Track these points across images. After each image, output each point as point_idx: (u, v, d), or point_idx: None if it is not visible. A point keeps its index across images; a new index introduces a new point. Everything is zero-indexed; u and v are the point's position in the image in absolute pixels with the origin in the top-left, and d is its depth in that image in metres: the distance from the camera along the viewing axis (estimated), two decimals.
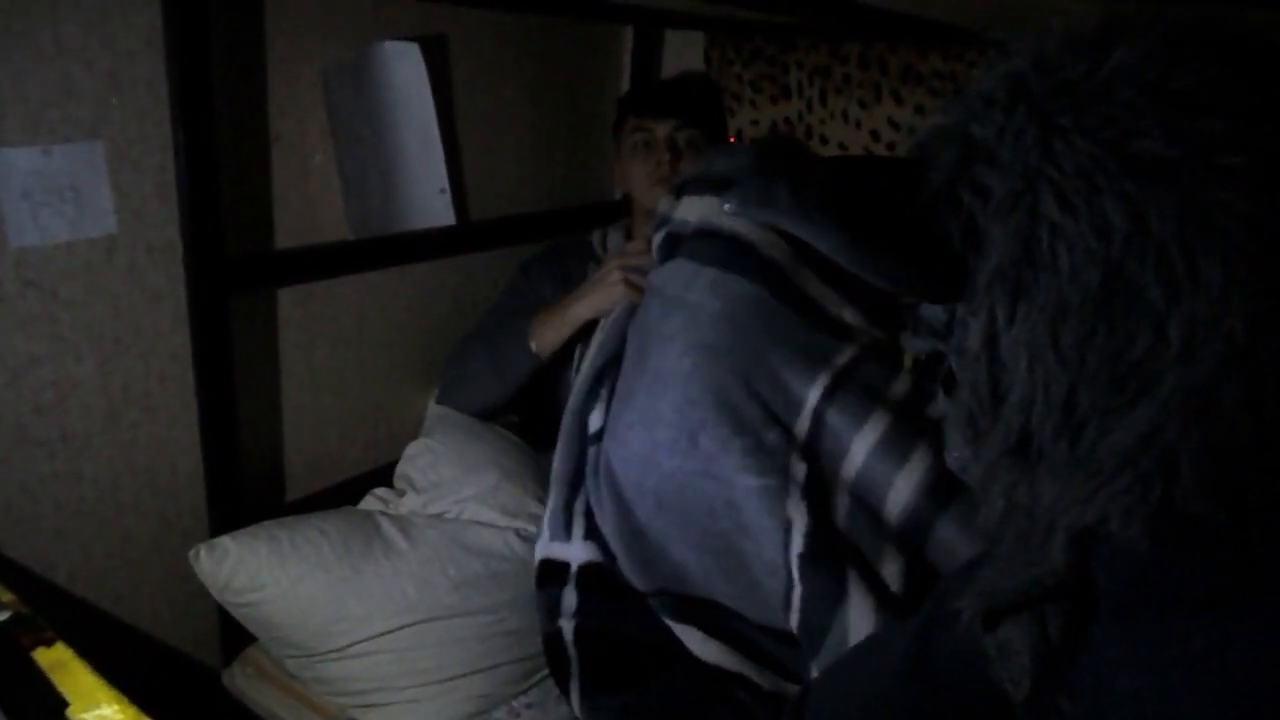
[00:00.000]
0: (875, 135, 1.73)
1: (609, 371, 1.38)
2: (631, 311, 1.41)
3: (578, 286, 1.54)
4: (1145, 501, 0.53)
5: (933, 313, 0.66)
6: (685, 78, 1.94)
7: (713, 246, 1.31)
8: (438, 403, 1.64)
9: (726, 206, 1.33)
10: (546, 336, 1.51)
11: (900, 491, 1.18)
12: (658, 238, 1.40)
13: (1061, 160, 0.53)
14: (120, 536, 1.35)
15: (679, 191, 1.40)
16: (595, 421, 1.36)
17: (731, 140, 1.94)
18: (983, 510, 0.63)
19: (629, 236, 1.75)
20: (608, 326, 1.43)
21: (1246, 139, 0.50)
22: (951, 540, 1.16)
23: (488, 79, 1.74)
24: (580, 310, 1.47)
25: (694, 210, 1.35)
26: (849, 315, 1.32)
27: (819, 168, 1.50)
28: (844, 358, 1.26)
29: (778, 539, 1.16)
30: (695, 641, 1.24)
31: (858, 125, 1.74)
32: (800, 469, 1.18)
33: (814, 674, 1.15)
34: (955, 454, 0.69)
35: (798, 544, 1.14)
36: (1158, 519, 0.53)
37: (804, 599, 1.13)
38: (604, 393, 1.37)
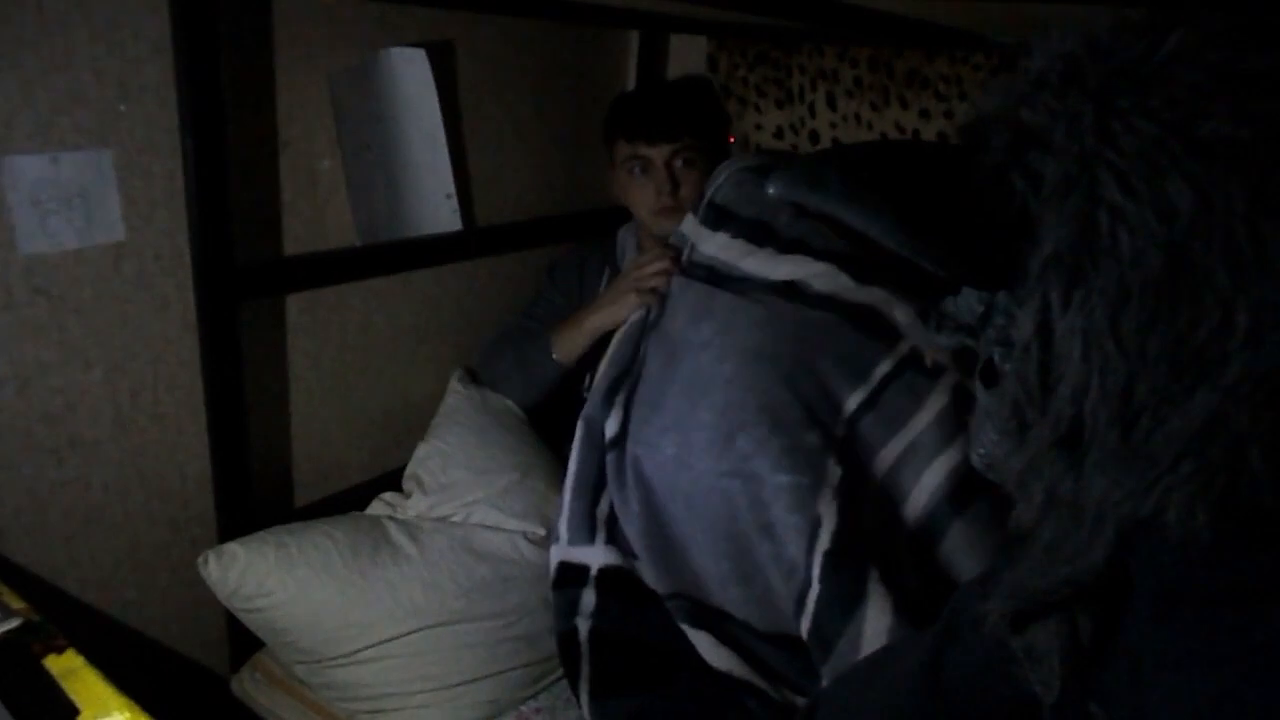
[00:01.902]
0: (884, 138, 1.72)
1: (623, 381, 1.41)
2: (644, 322, 1.44)
3: (593, 293, 1.66)
4: (1209, 491, 0.52)
5: (960, 308, 0.65)
6: (676, 90, 1.81)
7: (746, 282, 1.36)
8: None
9: (772, 190, 1.33)
10: (566, 346, 1.59)
11: (917, 500, 1.19)
12: (685, 255, 1.45)
13: (1121, 142, 0.52)
14: (129, 543, 1.35)
15: (711, 224, 1.43)
16: (611, 428, 1.38)
17: (731, 141, 1.94)
18: (1019, 508, 0.61)
19: (640, 247, 1.75)
20: (621, 337, 1.48)
21: None
22: (957, 552, 1.17)
23: (494, 84, 1.74)
24: (596, 321, 1.54)
25: (729, 251, 1.39)
26: (900, 313, 1.32)
27: (869, 153, 1.50)
28: (886, 366, 1.28)
29: (804, 536, 1.16)
30: (706, 647, 1.25)
31: (870, 128, 1.73)
32: (835, 471, 1.20)
33: (823, 683, 1.15)
34: (982, 450, 0.67)
35: (825, 541, 1.15)
36: (1220, 510, 0.52)
37: (820, 600, 1.14)
38: (619, 400, 1.39)
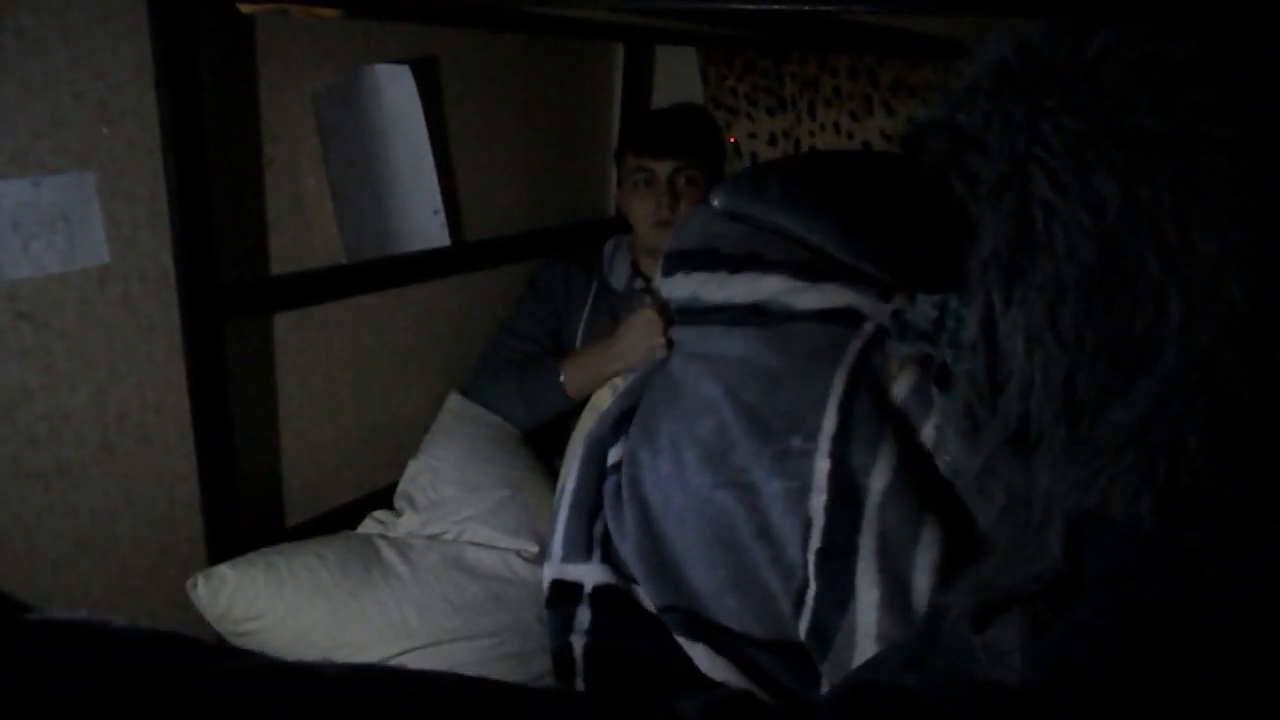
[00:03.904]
0: (868, 147, 1.73)
1: (631, 413, 1.44)
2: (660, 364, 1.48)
3: (578, 306, 1.69)
4: (1151, 479, 0.52)
5: (918, 316, 0.66)
6: (685, 113, 1.87)
7: (720, 314, 1.37)
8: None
9: (716, 202, 1.36)
10: (580, 384, 1.61)
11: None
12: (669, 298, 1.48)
13: (1050, 140, 0.53)
14: (118, 568, 1.34)
15: (668, 271, 1.45)
16: (614, 455, 1.40)
17: (732, 140, 1.95)
18: (980, 509, 0.62)
19: (634, 264, 1.77)
20: (641, 373, 1.49)
21: (1236, 109, 0.51)
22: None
23: (479, 99, 1.74)
24: (618, 366, 1.56)
25: (689, 286, 1.41)
26: (858, 301, 1.32)
27: (810, 162, 1.51)
28: (856, 346, 1.29)
29: (798, 537, 1.19)
30: (703, 658, 1.25)
31: (850, 137, 1.74)
32: (824, 466, 1.21)
33: (824, 687, 1.16)
34: (947, 458, 0.68)
35: (816, 540, 1.17)
36: (1163, 497, 0.52)
37: (817, 597, 1.16)
38: (624, 430, 1.42)
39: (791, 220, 1.35)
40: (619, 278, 1.76)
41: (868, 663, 0.96)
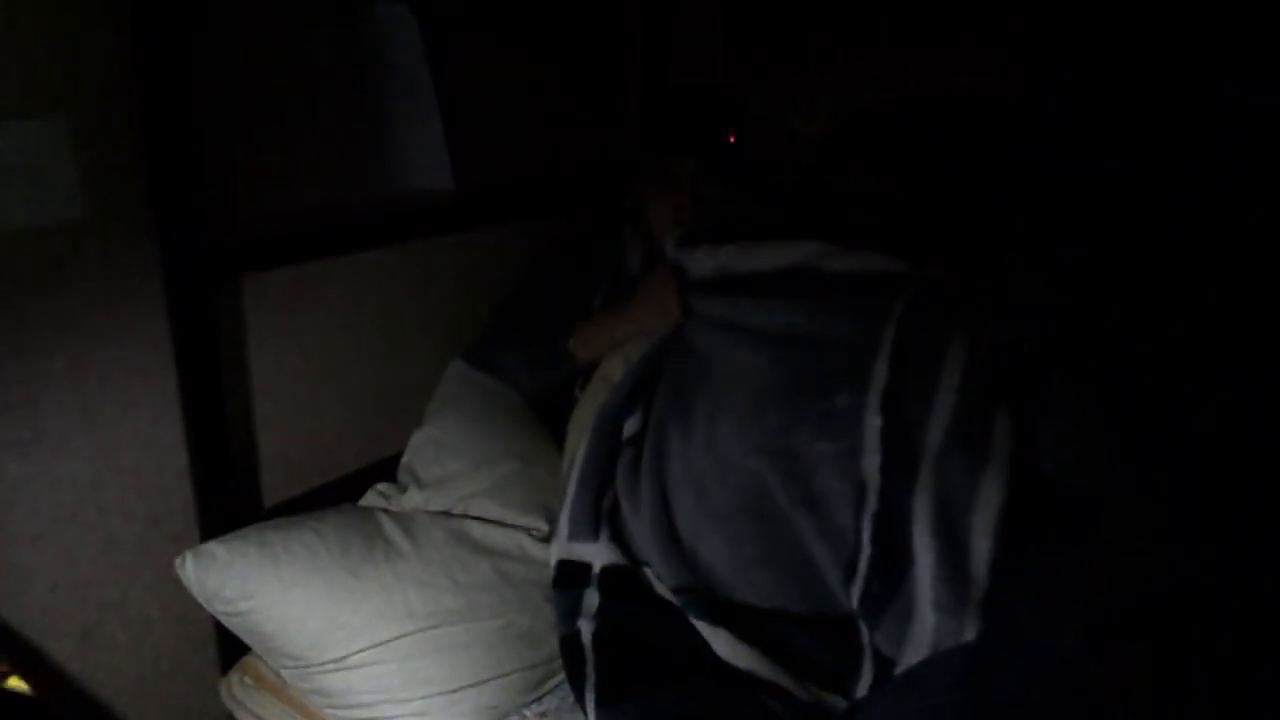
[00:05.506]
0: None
1: (648, 383, 1.42)
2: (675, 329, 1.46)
3: (594, 285, 1.68)
4: None
5: (1029, 291, 0.57)
6: (706, 105, 1.80)
7: (751, 284, 1.37)
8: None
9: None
10: (591, 346, 1.57)
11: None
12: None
13: None
14: (105, 540, 1.27)
15: (689, 243, 1.45)
16: (630, 427, 1.38)
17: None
18: (1107, 515, 0.54)
19: (648, 256, 1.70)
20: (653, 342, 1.46)
21: None
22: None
23: (487, 39, 1.63)
24: (631, 328, 1.51)
25: (718, 258, 1.41)
26: (896, 266, 1.32)
27: (896, 124, 1.48)
28: (899, 307, 1.26)
29: (850, 501, 1.16)
30: (723, 645, 1.19)
31: (892, 84, 1.64)
32: (875, 423, 1.17)
33: (867, 663, 1.12)
34: (1058, 449, 0.60)
35: (872, 503, 1.14)
36: None
37: (871, 561, 1.13)
38: (642, 401, 1.40)
39: (889, 186, 1.33)
40: (633, 269, 1.70)
41: (921, 669, 0.89)
